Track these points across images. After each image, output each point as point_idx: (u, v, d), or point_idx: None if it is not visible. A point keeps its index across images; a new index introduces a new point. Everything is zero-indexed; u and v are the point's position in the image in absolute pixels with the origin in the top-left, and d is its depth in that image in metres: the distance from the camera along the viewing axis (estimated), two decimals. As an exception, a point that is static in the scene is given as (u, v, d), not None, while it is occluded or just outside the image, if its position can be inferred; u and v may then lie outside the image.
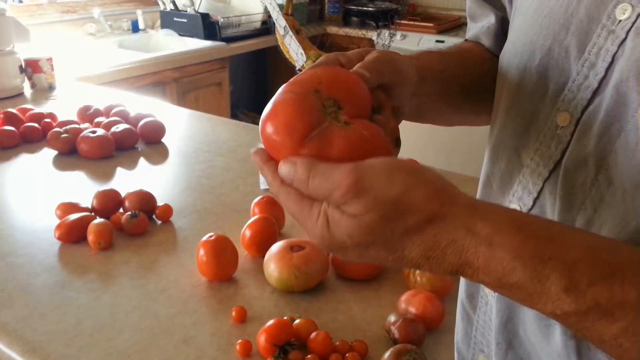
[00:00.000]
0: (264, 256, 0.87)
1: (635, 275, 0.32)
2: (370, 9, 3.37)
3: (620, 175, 0.40)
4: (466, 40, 0.66)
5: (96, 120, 1.46)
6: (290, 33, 1.38)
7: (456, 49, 0.63)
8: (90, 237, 0.95)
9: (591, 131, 0.42)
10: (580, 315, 0.33)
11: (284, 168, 0.40)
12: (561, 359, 0.46)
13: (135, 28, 2.91)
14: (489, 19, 0.63)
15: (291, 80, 0.43)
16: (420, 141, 1.55)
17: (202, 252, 0.86)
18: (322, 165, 0.38)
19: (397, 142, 0.50)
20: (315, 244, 0.40)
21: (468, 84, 0.60)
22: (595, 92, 0.43)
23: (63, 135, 1.33)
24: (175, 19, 2.88)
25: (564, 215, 0.45)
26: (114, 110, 1.51)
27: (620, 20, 0.41)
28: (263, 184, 1.22)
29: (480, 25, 0.64)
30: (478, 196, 0.59)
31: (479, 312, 0.57)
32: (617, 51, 0.41)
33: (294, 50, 1.40)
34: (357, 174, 0.36)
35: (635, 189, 0.38)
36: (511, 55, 0.53)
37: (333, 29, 3.16)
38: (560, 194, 0.45)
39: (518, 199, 0.50)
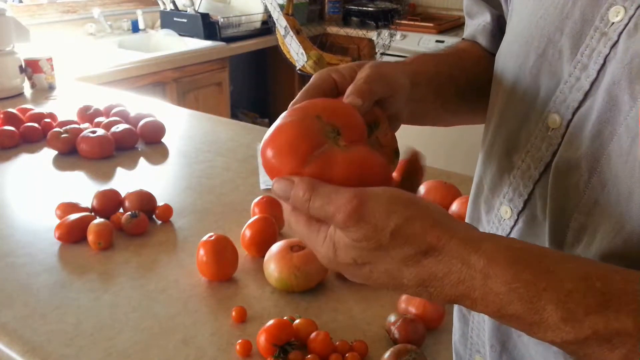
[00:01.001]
0: (264, 256, 0.87)
1: (630, 304, 0.33)
2: (370, 9, 3.37)
3: (614, 178, 0.40)
4: (463, 39, 0.66)
5: (96, 120, 1.46)
6: (291, 33, 1.39)
7: (452, 50, 0.63)
8: (90, 237, 0.95)
9: (583, 133, 0.42)
10: (580, 343, 0.34)
11: (278, 185, 0.40)
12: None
13: (135, 28, 2.91)
14: (485, 17, 0.63)
15: (290, 108, 0.44)
16: (420, 141, 1.55)
17: (202, 252, 0.86)
18: (324, 187, 0.38)
19: (396, 154, 0.50)
20: (324, 265, 0.41)
21: (464, 85, 0.60)
22: (587, 94, 0.42)
23: (63, 135, 1.33)
24: (175, 19, 2.88)
25: (556, 218, 0.44)
26: (114, 110, 1.51)
27: (613, 23, 0.41)
28: (263, 184, 1.21)
29: (476, 23, 0.64)
30: (470, 198, 0.59)
31: (474, 313, 0.57)
32: (609, 53, 0.41)
33: (294, 50, 1.41)
34: (359, 200, 0.37)
35: (629, 192, 0.38)
36: (507, 56, 0.53)
37: (333, 29, 3.16)
38: (552, 197, 0.45)
39: (509, 201, 0.50)
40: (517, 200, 0.49)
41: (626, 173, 0.38)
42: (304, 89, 0.48)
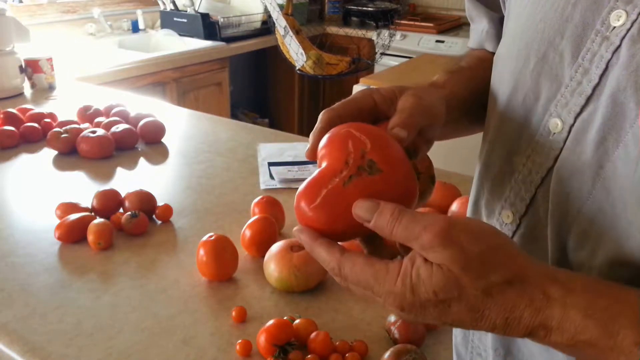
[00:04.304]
0: (264, 256, 0.87)
1: None
2: (370, 9, 3.38)
3: (620, 187, 0.39)
4: (472, 49, 0.66)
5: (96, 120, 1.46)
6: (291, 33, 1.39)
7: (473, 62, 0.63)
8: (90, 237, 0.95)
9: (586, 139, 0.42)
10: None
11: (363, 207, 0.39)
12: None
13: (135, 28, 2.91)
14: (483, 23, 0.63)
15: (325, 117, 0.46)
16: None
17: (202, 252, 0.86)
18: (409, 210, 0.39)
19: (432, 180, 0.52)
20: (393, 311, 0.39)
21: (487, 96, 0.60)
22: (589, 99, 0.42)
23: (63, 135, 1.33)
24: (175, 19, 2.88)
25: (558, 222, 0.44)
26: (114, 110, 1.51)
27: (615, 27, 0.40)
28: (263, 184, 1.21)
29: (478, 29, 0.64)
30: (470, 201, 0.59)
31: None
32: (611, 58, 0.40)
33: (294, 50, 1.40)
34: (446, 222, 0.37)
35: (637, 202, 0.38)
36: (506, 59, 0.52)
37: (333, 29, 3.15)
38: (555, 201, 0.44)
39: (510, 205, 0.50)
40: (519, 204, 0.49)
41: (635, 182, 0.38)
42: (343, 100, 0.48)
